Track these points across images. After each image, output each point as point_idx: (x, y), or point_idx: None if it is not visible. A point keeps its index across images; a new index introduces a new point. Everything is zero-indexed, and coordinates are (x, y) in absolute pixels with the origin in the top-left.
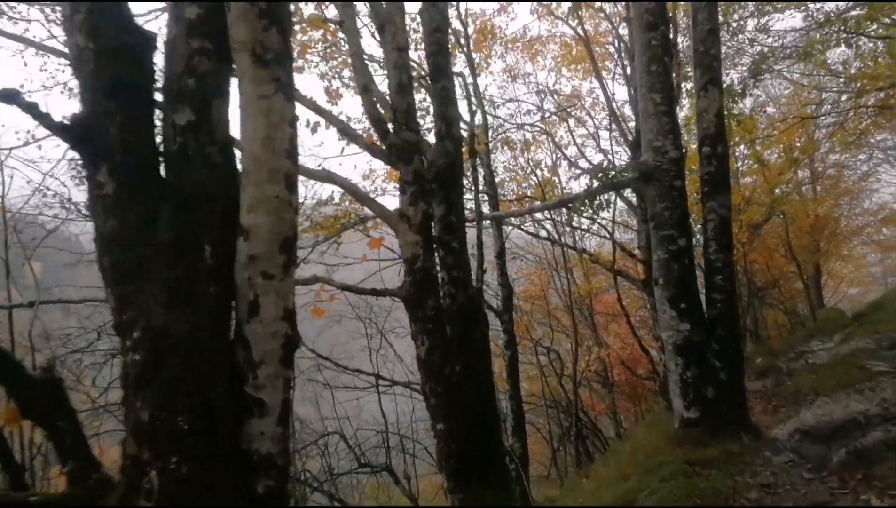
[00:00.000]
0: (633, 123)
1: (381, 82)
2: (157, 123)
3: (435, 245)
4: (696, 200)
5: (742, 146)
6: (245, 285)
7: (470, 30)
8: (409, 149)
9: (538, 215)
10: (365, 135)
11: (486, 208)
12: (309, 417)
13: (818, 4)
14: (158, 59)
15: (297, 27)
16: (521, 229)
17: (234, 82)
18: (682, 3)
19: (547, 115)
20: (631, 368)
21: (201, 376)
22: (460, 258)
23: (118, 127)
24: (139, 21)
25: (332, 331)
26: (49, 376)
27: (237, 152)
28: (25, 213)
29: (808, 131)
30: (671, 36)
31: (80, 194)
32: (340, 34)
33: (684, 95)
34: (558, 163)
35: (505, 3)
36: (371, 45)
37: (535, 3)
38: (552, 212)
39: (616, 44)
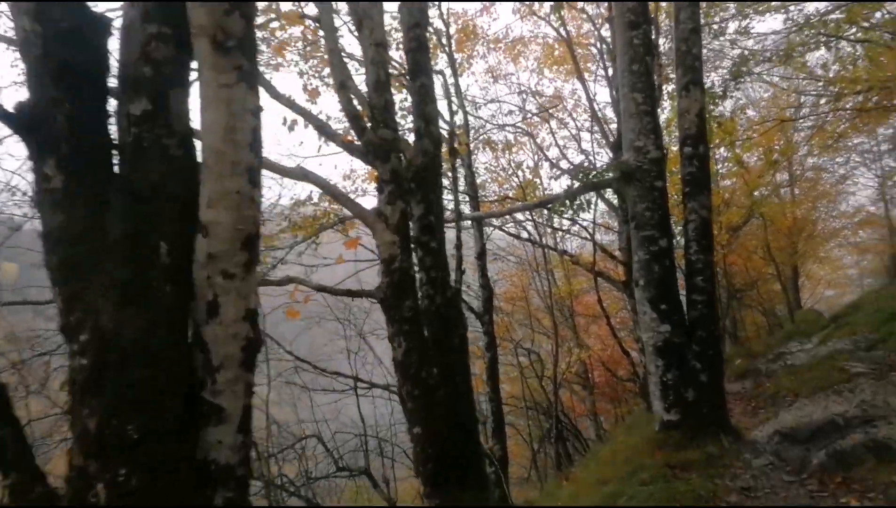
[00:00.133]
0: (614, 125)
1: (361, 82)
2: (111, 112)
3: (413, 245)
4: (676, 201)
5: (722, 148)
6: (204, 284)
7: (452, 30)
8: (387, 147)
9: (519, 216)
10: (344, 134)
11: (466, 209)
12: (287, 420)
13: (799, 6)
14: (114, 45)
15: (274, 24)
16: (503, 230)
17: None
18: (663, 3)
19: (529, 116)
20: (611, 369)
21: (154, 381)
22: (439, 259)
23: (66, 116)
24: (93, 4)
25: (310, 333)
26: None
27: (197, 144)
28: None
29: (788, 134)
30: (653, 37)
31: None
32: (321, 33)
33: (665, 97)
34: (540, 164)
35: (487, 4)
36: (352, 43)
37: (517, 3)
38: (533, 213)
39: (598, 45)
